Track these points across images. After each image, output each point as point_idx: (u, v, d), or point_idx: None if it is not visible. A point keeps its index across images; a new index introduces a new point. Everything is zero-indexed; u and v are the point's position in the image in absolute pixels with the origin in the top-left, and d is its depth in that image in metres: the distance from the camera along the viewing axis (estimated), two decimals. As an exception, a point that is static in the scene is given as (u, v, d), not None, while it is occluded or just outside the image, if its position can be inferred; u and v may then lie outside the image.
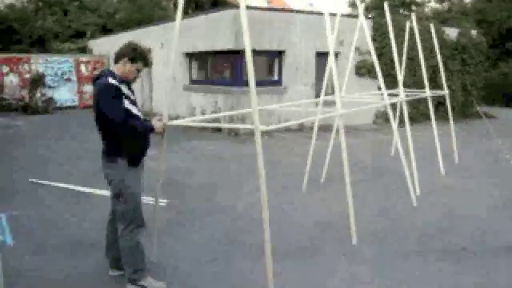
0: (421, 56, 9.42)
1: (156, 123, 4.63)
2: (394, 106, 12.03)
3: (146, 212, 4.88)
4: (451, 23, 25.49)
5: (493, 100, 26.43)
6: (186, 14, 36.93)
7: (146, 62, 4.61)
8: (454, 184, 9.05)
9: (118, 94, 4.32)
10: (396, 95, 8.64)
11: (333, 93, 8.11)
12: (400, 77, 8.14)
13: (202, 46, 16.07)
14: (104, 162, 4.50)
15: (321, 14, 16.28)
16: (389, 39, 8.31)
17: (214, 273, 5.11)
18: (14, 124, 17.58)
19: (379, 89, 17.56)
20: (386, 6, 8.21)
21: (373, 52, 7.19)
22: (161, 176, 5.19)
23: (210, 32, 15.67)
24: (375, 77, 17.59)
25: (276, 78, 15.91)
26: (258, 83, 15.34)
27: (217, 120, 13.39)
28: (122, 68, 4.49)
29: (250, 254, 5.62)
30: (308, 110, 12.08)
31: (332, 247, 5.87)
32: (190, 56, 17.48)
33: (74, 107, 23.40)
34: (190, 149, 12.30)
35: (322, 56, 16.66)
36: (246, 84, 15.10)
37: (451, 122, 10.78)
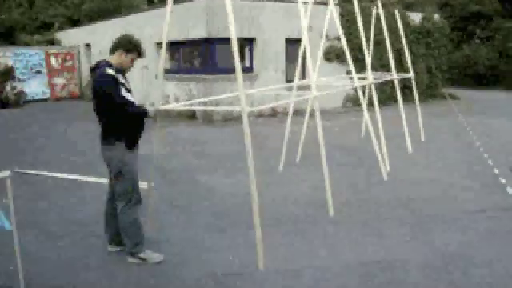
0: (387, 41, 9.95)
1: (149, 108, 5.02)
2: (363, 89, 12.60)
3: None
4: (415, 8, 26.22)
5: (456, 82, 27.34)
6: (151, 3, 37.04)
7: (140, 52, 4.99)
8: (421, 160, 9.68)
9: (115, 83, 4.70)
10: (365, 78, 9.15)
11: (304, 78, 8.57)
12: (368, 61, 8.63)
13: (174, 36, 16.35)
14: (103, 145, 4.88)
15: (290, 1, 16.77)
16: (355, 25, 8.79)
17: (206, 245, 5.54)
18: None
19: (348, 73, 18.19)
20: (353, -7, 8.67)
21: (343, 38, 7.64)
22: (154, 157, 5.57)
23: (181, 21, 15.96)
24: (343, 61, 18.29)
25: (247, 64, 16.32)
26: (230, 70, 15.80)
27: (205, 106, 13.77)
28: (118, 58, 4.87)
29: (239, 226, 6.07)
30: (283, 94, 12.53)
31: (311, 218, 6.37)
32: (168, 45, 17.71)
33: (45, 100, 23.38)
34: (167, 135, 12.66)
35: (291, 42, 17.17)
36: (219, 71, 15.63)
37: (417, 102, 11.40)
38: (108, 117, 4.76)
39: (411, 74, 10.92)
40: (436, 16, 22.05)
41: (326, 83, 9.25)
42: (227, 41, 15.56)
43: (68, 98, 23.99)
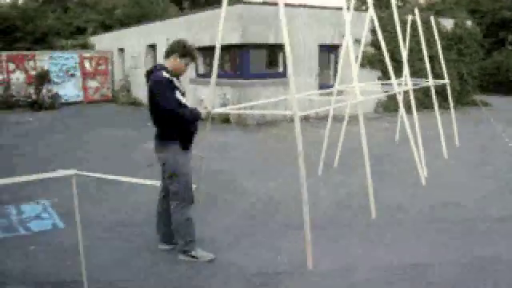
0: (424, 48, 10.03)
1: (202, 111, 5.21)
2: (395, 95, 12.68)
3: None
4: (445, 14, 26.12)
5: (487, 88, 27.11)
6: (181, 9, 37.52)
7: (194, 57, 5.20)
8: (457, 165, 9.73)
9: (171, 87, 4.91)
10: (399, 85, 9.25)
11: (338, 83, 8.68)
12: (406, 67, 8.71)
13: (207, 41, 16.61)
14: (157, 146, 5.09)
15: (322, 7, 16.92)
16: (388, 32, 8.88)
17: (252, 245, 5.71)
18: (25, 120, 18.05)
19: (379, 79, 18.27)
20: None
21: (383, 44, 7.73)
22: (203, 158, 5.76)
23: (216, 27, 16.19)
24: (374, 67, 18.38)
25: (281, 70, 16.50)
26: (264, 75, 16.06)
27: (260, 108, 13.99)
28: (173, 63, 5.08)
29: (283, 227, 6.24)
30: (315, 99, 12.66)
31: (354, 221, 6.51)
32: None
33: (79, 102, 23.86)
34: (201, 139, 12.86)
35: (323, 48, 17.32)
36: (253, 77, 15.83)
37: (452, 108, 11.43)
38: (162, 119, 4.96)
39: (447, 81, 10.97)
40: (468, 22, 21.96)
41: (366, 89, 9.32)
42: (260, 46, 15.97)
43: (100, 101, 24.45)
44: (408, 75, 8.70)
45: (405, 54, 8.88)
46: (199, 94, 17.52)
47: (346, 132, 9.20)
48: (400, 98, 8.03)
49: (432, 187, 8.06)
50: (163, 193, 5.37)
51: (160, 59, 20.60)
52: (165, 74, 4.92)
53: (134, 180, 4.80)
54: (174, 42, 5.22)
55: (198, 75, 18.27)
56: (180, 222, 5.13)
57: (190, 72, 18.27)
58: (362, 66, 17.88)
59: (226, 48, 16.31)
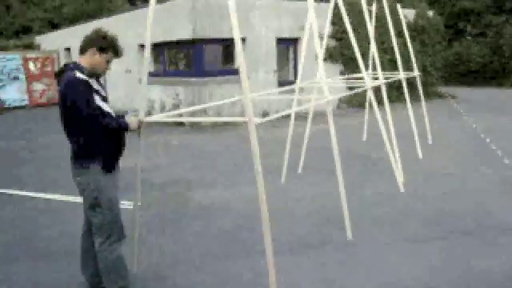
0: (393, 38, 9.12)
1: (131, 120, 4.10)
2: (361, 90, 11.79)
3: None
4: (405, 4, 25.48)
5: (449, 80, 26.69)
6: (132, 4, 36.01)
7: (117, 51, 4.08)
8: (434, 167, 8.81)
9: (88, 90, 3.78)
10: (361, 78, 8.33)
11: (295, 80, 7.72)
12: (377, 60, 7.78)
13: (157, 37, 15.41)
14: (74, 168, 3.94)
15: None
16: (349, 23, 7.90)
17: (207, 277, 4.63)
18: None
19: (341, 73, 17.41)
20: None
21: (352, 36, 6.75)
22: (138, 176, 4.64)
23: (166, 22, 15.03)
24: (336, 61, 17.48)
25: (237, 66, 15.41)
26: (219, 72, 14.91)
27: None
28: (90, 59, 3.95)
29: (245, 251, 5.19)
30: (274, 97, 11.69)
31: (327, 240, 5.50)
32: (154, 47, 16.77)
33: (23, 107, 22.30)
34: (153, 143, 11.70)
35: (282, 42, 16.31)
36: (207, 74, 14.73)
37: (423, 102, 10.60)
38: (79, 133, 3.83)
39: (417, 73, 10.10)
40: (430, 12, 21.32)
41: (332, 85, 8.33)
42: (215, 41, 14.86)
43: (48, 105, 22.92)
44: (379, 69, 7.75)
45: (374, 45, 7.96)
46: (151, 96, 16.31)
47: (309, 132, 8.22)
48: (371, 94, 7.07)
49: (411, 194, 7.12)
50: (86, 226, 4.24)
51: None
52: (79, 75, 3.76)
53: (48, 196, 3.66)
54: (90, 33, 4.08)
55: (149, 74, 17.00)
56: (108, 262, 4.01)
57: (139, 70, 17.02)
58: (323, 59, 16.97)
59: (177, 44, 15.19)
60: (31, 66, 22.93)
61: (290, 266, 4.81)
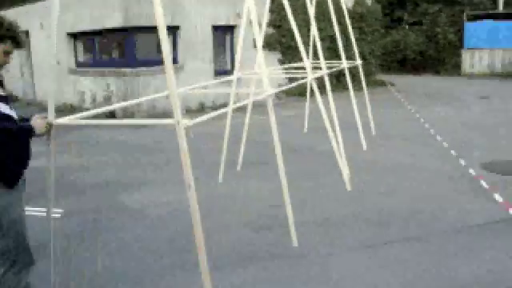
0: (335, 25, 8.72)
1: (36, 123, 3.46)
2: (294, 80, 11.41)
3: (36, 227, 3.75)
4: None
5: (387, 68, 26.80)
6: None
7: (18, 41, 3.44)
8: (379, 159, 8.52)
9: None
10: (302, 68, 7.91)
11: (231, 69, 7.22)
12: (320, 49, 7.34)
13: (87, 25, 14.54)
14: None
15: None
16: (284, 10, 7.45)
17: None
18: None
19: (281, 62, 17.00)
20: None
21: (293, 23, 6.30)
22: (51, 184, 4.00)
23: (95, 9, 14.17)
24: (273, 49, 17.04)
25: (171, 55, 14.73)
26: (152, 62, 14.16)
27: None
28: (-17, 51, 3.29)
29: (181, 265, 4.65)
30: (211, 88, 11.16)
31: (270, 252, 5.00)
32: (75, 36, 15.84)
33: None
34: (82, 140, 10.93)
35: (218, 29, 15.73)
36: (140, 64, 13.99)
37: (365, 91, 10.23)
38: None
39: (359, 62, 9.75)
40: (368, 0, 21.19)
41: (271, 75, 7.85)
42: (149, 29, 14.09)
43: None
44: (322, 57, 7.31)
45: (315, 32, 7.54)
46: (81, 87, 15.42)
47: (236, 124, 7.73)
48: (314, 85, 6.63)
49: (359, 192, 6.71)
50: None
51: (36, 49, 18.20)
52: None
53: None
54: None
55: (78, 64, 16.09)
56: (11, 292, 3.39)
57: (69, 60, 16.09)
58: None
59: (108, 32, 14.37)
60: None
61: (230, 284, 4.30)
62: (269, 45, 16.70)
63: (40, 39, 17.60)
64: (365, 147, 9.04)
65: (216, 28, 15.44)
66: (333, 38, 17.24)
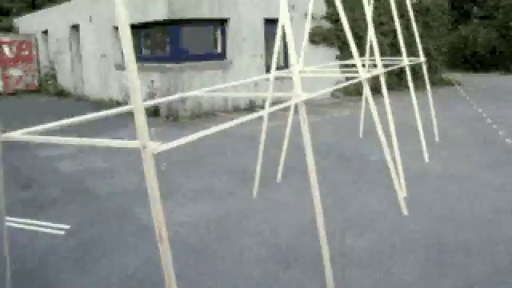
0: (396, 20, 7.53)
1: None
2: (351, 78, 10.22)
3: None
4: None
5: (453, 65, 25.12)
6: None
7: None
8: (445, 175, 7.11)
9: None
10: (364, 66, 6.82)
11: (285, 66, 6.22)
12: (375, 45, 6.23)
13: (132, 18, 13.84)
14: None
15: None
16: (345, 2, 6.34)
17: None
18: None
19: (337, 58, 15.84)
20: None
21: (342, 14, 5.23)
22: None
23: (139, 1, 13.46)
24: (331, 45, 15.90)
25: (219, 50, 13.83)
26: (199, 57, 13.28)
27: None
28: None
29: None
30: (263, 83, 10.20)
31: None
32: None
33: (-1, 94, 20.88)
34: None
35: (271, 23, 14.69)
36: (186, 58, 13.19)
37: (429, 90, 8.89)
38: None
39: (423, 59, 8.53)
40: (434, -8, 19.67)
41: (322, 73, 6.83)
42: (196, 22, 13.30)
43: (25, 92, 21.42)
44: (377, 54, 6.20)
45: (371, 27, 6.47)
46: (126, 83, 14.77)
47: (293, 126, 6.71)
48: (366, 87, 5.56)
49: (417, 217, 5.52)
50: None
51: (84, 42, 17.76)
52: None
53: None
54: None
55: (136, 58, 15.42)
56: None
57: (115, 55, 15.51)
58: (316, 42, 15.42)
59: (152, 25, 13.64)
60: (6, 50, 21.39)
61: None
62: (326, 40, 15.58)
63: (88, 33, 17.13)
64: (427, 158, 7.77)
65: (268, 21, 14.43)
66: (394, 34, 16.03)
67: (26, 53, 21.88)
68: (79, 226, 5.51)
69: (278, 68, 14.25)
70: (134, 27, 14.07)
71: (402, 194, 5.66)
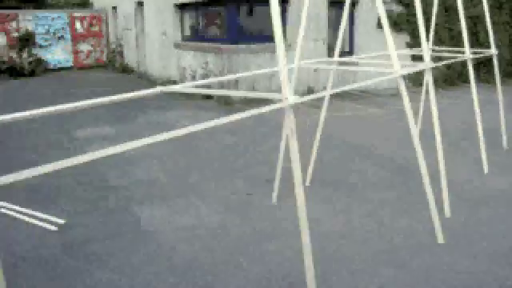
0: (459, 4, 6.52)
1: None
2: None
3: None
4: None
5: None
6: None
7: None
8: (504, 190, 6.00)
9: None
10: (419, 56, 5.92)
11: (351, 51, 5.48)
12: (465, 31, 5.34)
13: (191, -5, 13.35)
14: None
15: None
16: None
17: None
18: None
19: (408, 45, 14.70)
20: None
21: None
22: None
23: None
24: (401, 31, 14.75)
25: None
26: (256, 39, 12.63)
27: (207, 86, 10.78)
28: None
29: None
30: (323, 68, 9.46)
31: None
32: (182, 7, 14.76)
33: (68, 68, 21.11)
34: (158, 123, 9.76)
35: (336, 5, 13.77)
36: (241, 39, 12.56)
37: (499, 87, 7.78)
38: None
39: (493, 51, 7.43)
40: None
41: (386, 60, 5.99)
42: (255, 1, 12.62)
43: (94, 67, 21.60)
44: (467, 42, 5.30)
45: (435, 11, 5.60)
46: (183, 62, 14.35)
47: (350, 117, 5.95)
48: (429, 77, 4.77)
49: (453, 246, 4.67)
50: None
51: (148, 19, 17.47)
52: None
53: None
54: None
55: (183, 38, 15.01)
56: None
57: (175, 33, 15.09)
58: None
59: (211, 3, 13.08)
60: (78, 25, 21.59)
61: None
62: (396, 25, 14.44)
63: (151, 10, 16.82)
64: (486, 169, 6.65)
65: (333, 3, 13.51)
66: (475, 20, 14.71)
67: (97, 28, 21.99)
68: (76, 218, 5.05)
69: (343, 54, 13.41)
70: (194, 4, 13.60)
71: (436, 220, 4.70)
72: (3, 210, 5.20)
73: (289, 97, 3.04)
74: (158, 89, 3.41)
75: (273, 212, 5.28)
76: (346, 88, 4.36)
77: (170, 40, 15.35)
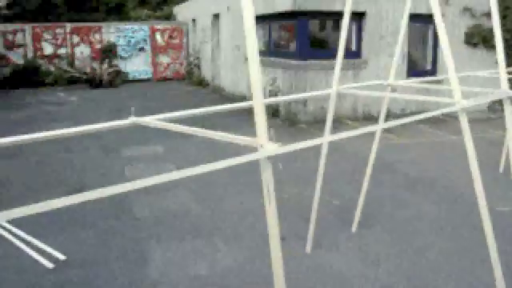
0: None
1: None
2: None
3: None
4: None
5: None
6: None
7: None
8: None
9: None
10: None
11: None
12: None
13: (261, 8, 12.74)
14: None
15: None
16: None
17: None
18: (68, 100, 15.78)
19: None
20: None
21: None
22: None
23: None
24: (491, 48, 13.37)
25: (354, 48, 12.16)
26: (328, 55, 11.84)
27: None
28: None
29: None
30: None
31: None
32: (256, 21, 14.19)
33: (147, 80, 21.25)
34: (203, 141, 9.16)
35: (415, 19, 12.66)
36: (312, 56, 11.77)
37: None
38: None
39: None
40: None
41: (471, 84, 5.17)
42: (326, 15, 11.83)
43: (171, 79, 21.58)
44: None
45: None
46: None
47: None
48: (509, 108, 3.86)
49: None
50: None
51: (223, 33, 17.07)
52: None
53: None
54: None
55: (260, 52, 14.40)
56: None
57: (246, 47, 14.50)
58: (474, 44, 13.06)
59: (280, 17, 12.42)
60: (158, 37, 21.68)
61: None
62: (485, 41, 13.13)
63: (226, 23, 16.43)
64: None
65: (413, 17, 12.43)
66: None
67: (177, 41, 21.98)
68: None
69: (425, 73, 12.31)
70: (265, 17, 13.00)
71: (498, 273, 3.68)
72: (5, 234, 4.69)
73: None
74: (132, 120, 2.78)
75: (300, 264, 4.46)
76: (398, 122, 3.47)
77: (241, 54, 14.84)
